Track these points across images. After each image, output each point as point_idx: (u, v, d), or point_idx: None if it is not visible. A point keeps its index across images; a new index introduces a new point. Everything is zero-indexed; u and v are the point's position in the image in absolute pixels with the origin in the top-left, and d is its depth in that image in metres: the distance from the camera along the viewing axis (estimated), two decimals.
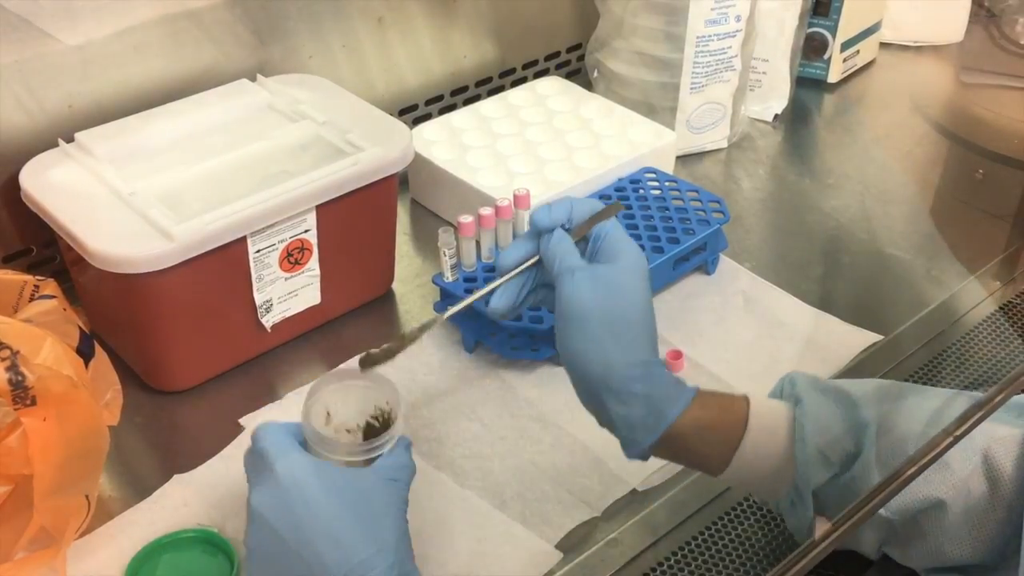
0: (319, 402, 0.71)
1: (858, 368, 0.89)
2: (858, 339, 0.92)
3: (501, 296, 0.70)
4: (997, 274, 1.02)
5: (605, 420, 0.67)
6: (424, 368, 0.87)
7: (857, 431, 0.66)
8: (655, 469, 0.79)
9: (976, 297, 0.99)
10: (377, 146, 0.88)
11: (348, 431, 0.71)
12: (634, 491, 0.78)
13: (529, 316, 0.86)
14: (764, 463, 0.65)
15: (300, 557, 0.58)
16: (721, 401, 0.67)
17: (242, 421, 0.83)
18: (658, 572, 0.73)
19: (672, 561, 0.74)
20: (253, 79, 0.97)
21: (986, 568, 0.65)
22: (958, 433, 0.57)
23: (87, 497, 0.70)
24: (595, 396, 0.65)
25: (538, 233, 0.69)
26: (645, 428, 0.65)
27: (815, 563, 0.52)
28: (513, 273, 0.69)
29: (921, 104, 1.33)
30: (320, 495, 0.60)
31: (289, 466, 0.60)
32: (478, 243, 0.90)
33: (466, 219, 0.88)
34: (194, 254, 0.78)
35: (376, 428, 0.69)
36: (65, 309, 0.74)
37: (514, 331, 0.87)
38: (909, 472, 0.56)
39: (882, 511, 0.64)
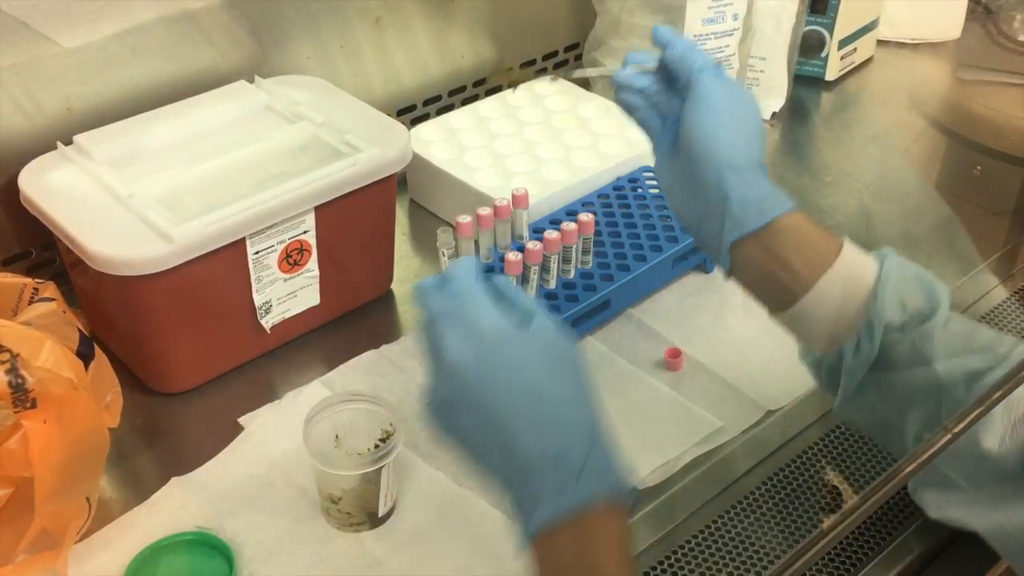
0: (325, 423, 0.74)
1: None
2: None
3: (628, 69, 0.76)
4: (996, 270, 1.02)
5: (716, 198, 0.69)
6: (422, 367, 0.87)
7: (932, 298, 0.69)
8: (657, 466, 0.79)
9: (975, 294, 0.98)
10: (375, 147, 0.88)
11: (359, 454, 0.75)
12: (635, 489, 0.78)
13: None
14: (847, 293, 0.68)
15: (499, 426, 0.56)
16: (819, 225, 0.71)
17: (241, 421, 0.83)
18: (660, 570, 0.73)
19: (674, 559, 0.73)
20: (251, 80, 0.97)
21: (1008, 477, 0.65)
22: (956, 431, 0.57)
23: (88, 499, 0.70)
24: (715, 175, 0.69)
25: (660, 47, 0.74)
26: (758, 210, 0.68)
27: (822, 553, 0.51)
28: (641, 67, 0.75)
29: (919, 101, 1.33)
30: (526, 365, 0.57)
31: (497, 329, 0.58)
32: (477, 243, 0.90)
33: (464, 219, 0.88)
34: (193, 256, 0.78)
35: (382, 447, 0.73)
36: (64, 312, 0.74)
37: None
38: (908, 469, 0.56)
39: (937, 366, 0.67)
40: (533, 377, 0.57)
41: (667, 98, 0.75)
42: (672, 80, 0.74)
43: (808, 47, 1.31)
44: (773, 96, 1.27)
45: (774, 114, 1.27)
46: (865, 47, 1.39)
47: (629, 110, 0.77)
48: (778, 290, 0.70)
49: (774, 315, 0.72)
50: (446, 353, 0.58)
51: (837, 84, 1.35)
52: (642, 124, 0.77)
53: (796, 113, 1.30)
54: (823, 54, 1.32)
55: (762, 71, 1.25)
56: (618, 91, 0.77)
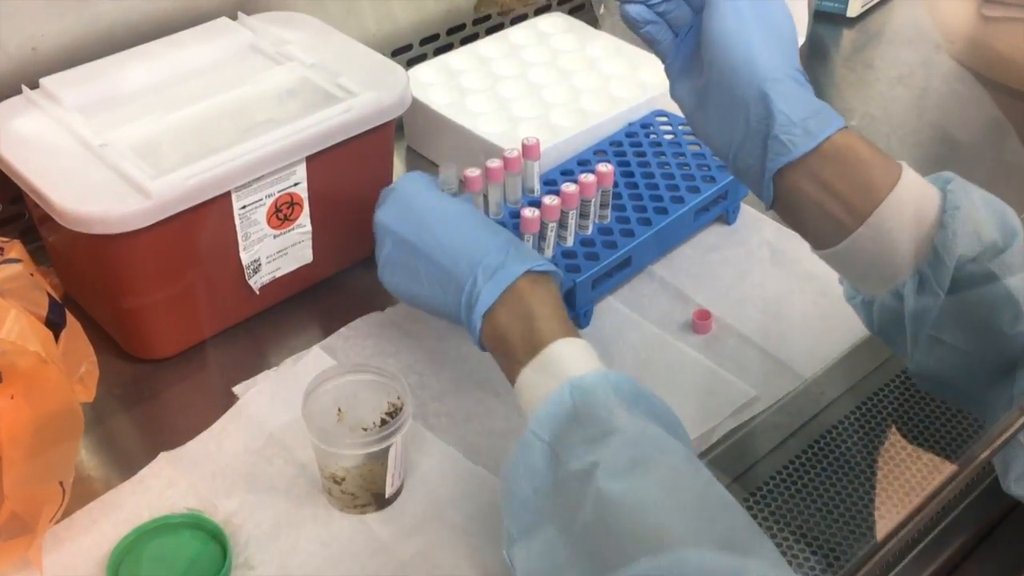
0: (326, 396, 0.70)
1: None
2: None
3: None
4: None
5: (756, 118, 0.63)
6: (434, 334, 0.82)
7: (1005, 225, 0.63)
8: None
9: None
10: (371, 90, 0.83)
11: (364, 429, 0.71)
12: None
13: None
14: (907, 226, 0.61)
15: (429, 257, 0.70)
16: (874, 145, 0.64)
17: (236, 390, 0.78)
18: None
19: None
20: (234, 17, 0.92)
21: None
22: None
23: (61, 484, 0.65)
24: (751, 91, 0.62)
25: None
26: (806, 131, 0.62)
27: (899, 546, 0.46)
28: None
29: (943, 39, 1.27)
30: (438, 201, 0.73)
31: (407, 180, 0.76)
32: (485, 197, 0.84)
33: (473, 172, 0.82)
34: (173, 212, 0.74)
35: (390, 423, 0.68)
36: (32, 274, 0.69)
37: None
38: (982, 456, 0.51)
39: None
40: (451, 217, 0.72)
41: (677, 5, 0.67)
42: None
43: None
44: None
45: None
46: None
47: (635, 25, 0.69)
48: (827, 223, 0.63)
49: (819, 251, 0.65)
50: (383, 218, 0.74)
51: (859, 21, 1.30)
52: (650, 40, 0.69)
53: (816, 53, 1.24)
54: None
55: None
56: (623, 5, 0.68)
